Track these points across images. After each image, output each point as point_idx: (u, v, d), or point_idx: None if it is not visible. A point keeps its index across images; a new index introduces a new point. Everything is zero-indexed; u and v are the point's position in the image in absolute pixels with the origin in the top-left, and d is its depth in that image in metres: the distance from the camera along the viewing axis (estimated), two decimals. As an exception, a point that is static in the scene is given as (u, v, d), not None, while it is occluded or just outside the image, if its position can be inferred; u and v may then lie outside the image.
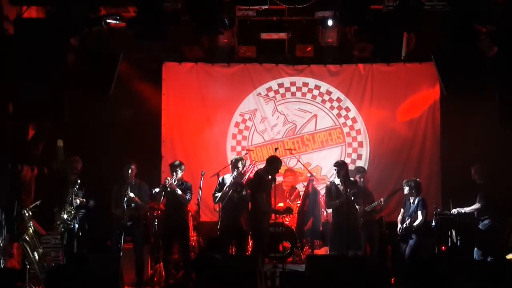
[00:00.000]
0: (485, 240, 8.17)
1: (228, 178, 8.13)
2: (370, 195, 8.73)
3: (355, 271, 6.58)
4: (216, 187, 8.20)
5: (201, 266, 6.58)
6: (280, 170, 8.94)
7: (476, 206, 8.26)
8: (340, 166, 8.22)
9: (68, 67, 7.69)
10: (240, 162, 8.16)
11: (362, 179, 8.76)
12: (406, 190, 8.41)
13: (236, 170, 8.10)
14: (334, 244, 8.16)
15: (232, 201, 7.99)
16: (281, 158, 9.72)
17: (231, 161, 8.35)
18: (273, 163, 8.18)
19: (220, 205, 8.13)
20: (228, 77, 10.18)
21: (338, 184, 8.20)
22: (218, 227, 8.10)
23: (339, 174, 8.16)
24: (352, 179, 8.41)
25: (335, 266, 6.89)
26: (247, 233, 8.29)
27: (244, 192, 8.03)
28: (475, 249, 8.19)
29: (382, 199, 8.61)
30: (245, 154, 9.88)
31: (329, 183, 8.50)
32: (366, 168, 9.49)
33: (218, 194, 8.07)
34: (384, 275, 7.26)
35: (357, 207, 8.30)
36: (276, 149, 9.54)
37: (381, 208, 8.66)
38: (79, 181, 7.94)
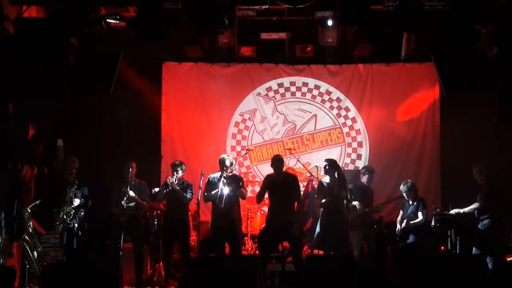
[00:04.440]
0: (484, 240, 8.16)
1: (216, 177, 8.07)
2: (372, 195, 8.71)
3: (353, 271, 6.57)
4: (206, 186, 8.12)
5: (201, 266, 6.58)
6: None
7: (475, 205, 8.25)
8: (332, 164, 8.20)
9: (68, 67, 7.69)
10: (227, 161, 8.09)
11: (367, 178, 8.73)
12: (404, 194, 8.43)
13: (224, 168, 8.05)
14: (316, 242, 8.15)
15: (224, 199, 7.99)
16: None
17: (219, 160, 8.21)
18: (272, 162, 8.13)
19: (211, 203, 8.10)
20: (228, 77, 10.18)
21: (328, 183, 8.17)
22: (210, 226, 8.08)
23: (328, 171, 8.13)
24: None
25: (334, 266, 6.88)
26: (241, 232, 8.30)
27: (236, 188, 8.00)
28: (474, 248, 8.19)
29: (381, 204, 8.62)
30: (245, 154, 9.91)
31: (316, 183, 8.53)
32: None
33: (210, 193, 8.00)
34: (381, 275, 7.25)
35: (356, 204, 8.28)
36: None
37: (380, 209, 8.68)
38: (77, 181, 7.95)
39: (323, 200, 8.07)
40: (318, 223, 8.23)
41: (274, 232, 7.95)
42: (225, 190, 7.89)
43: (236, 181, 8.03)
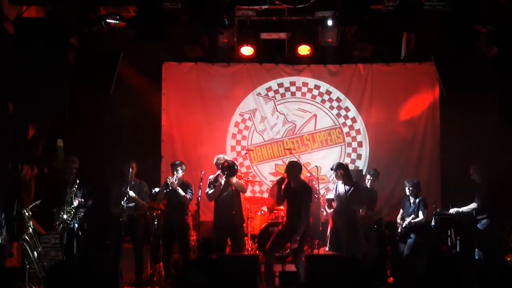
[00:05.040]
0: (484, 240, 8.16)
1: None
2: (376, 199, 8.70)
3: (354, 272, 6.58)
4: (207, 184, 8.15)
5: (201, 267, 6.58)
6: (280, 170, 8.94)
7: (473, 205, 8.25)
8: (336, 168, 8.14)
9: (68, 67, 7.69)
10: (222, 160, 8.14)
11: (370, 181, 8.72)
12: (407, 189, 8.41)
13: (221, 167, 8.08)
14: (332, 246, 8.14)
15: (226, 199, 7.98)
16: (280, 158, 9.77)
17: (215, 162, 8.26)
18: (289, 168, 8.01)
19: (214, 203, 8.12)
20: (228, 77, 10.18)
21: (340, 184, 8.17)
22: (212, 226, 8.11)
23: (338, 177, 8.13)
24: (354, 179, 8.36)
25: (334, 266, 6.89)
26: (242, 231, 8.30)
27: (235, 179, 8.00)
28: (476, 250, 8.18)
29: (383, 207, 8.63)
30: (245, 154, 9.91)
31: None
32: (365, 168, 9.52)
33: (211, 190, 8.05)
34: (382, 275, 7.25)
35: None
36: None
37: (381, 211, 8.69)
38: (78, 181, 7.95)
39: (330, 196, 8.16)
40: (330, 225, 8.23)
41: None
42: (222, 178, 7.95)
43: (230, 168, 7.98)
